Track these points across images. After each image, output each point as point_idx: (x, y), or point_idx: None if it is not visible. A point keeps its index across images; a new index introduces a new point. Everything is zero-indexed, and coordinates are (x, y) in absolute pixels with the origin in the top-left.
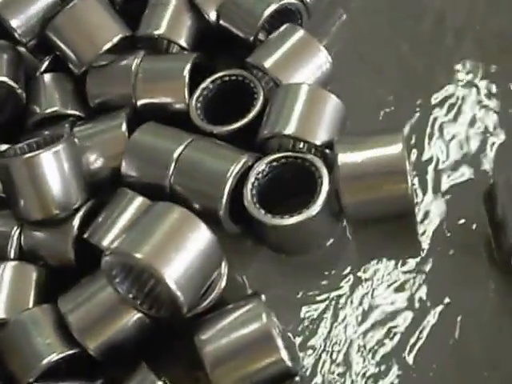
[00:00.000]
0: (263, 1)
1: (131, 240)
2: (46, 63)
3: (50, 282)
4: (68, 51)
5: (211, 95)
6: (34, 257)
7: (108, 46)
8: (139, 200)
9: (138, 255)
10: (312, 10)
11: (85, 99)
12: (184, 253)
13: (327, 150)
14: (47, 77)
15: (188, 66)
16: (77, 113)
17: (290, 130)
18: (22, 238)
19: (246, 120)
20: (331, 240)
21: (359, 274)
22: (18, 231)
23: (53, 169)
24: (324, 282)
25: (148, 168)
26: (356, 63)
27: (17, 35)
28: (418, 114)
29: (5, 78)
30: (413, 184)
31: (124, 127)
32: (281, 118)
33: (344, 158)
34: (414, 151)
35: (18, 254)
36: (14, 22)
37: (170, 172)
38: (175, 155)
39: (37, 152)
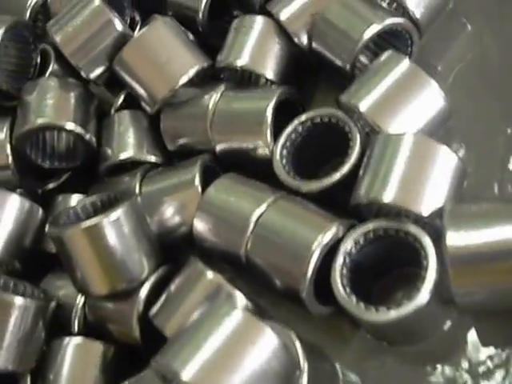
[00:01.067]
0: (364, 20)
1: (182, 355)
2: (121, 100)
3: (117, 359)
4: (138, 88)
5: (299, 140)
6: (98, 330)
7: (183, 80)
8: (209, 278)
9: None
10: (425, 26)
11: (162, 140)
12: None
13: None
14: (121, 115)
15: (271, 105)
16: (152, 159)
17: (389, 197)
18: (86, 310)
19: (338, 175)
20: (448, 323)
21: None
22: (81, 302)
23: (114, 238)
24: (443, 375)
25: (222, 232)
26: (482, 90)
27: (83, 73)
28: None
29: (72, 126)
30: None
31: (197, 181)
32: (378, 179)
33: (454, 236)
34: None
35: (82, 327)
36: (79, 59)
37: (246, 239)
38: (253, 219)
39: (93, 221)
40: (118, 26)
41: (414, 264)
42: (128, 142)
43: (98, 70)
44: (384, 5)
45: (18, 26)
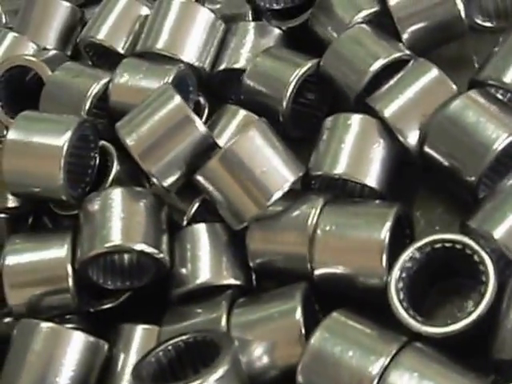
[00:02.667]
0: (496, 127)
1: None
2: (195, 208)
3: None
4: (224, 202)
5: (416, 268)
6: None
7: (277, 196)
8: None
9: None
10: None
11: (245, 257)
12: None
13: None
14: (197, 229)
15: (387, 226)
16: (234, 282)
17: None
18: None
19: (470, 320)
20: None
21: None
22: None
23: None
24: None
25: None
26: None
27: (156, 181)
28: None
29: (142, 246)
30: None
31: (299, 315)
32: None
33: None
34: None
35: None
36: (152, 166)
37: None
38: (374, 374)
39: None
40: (200, 127)
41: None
42: (205, 264)
43: (173, 178)
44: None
45: (83, 126)
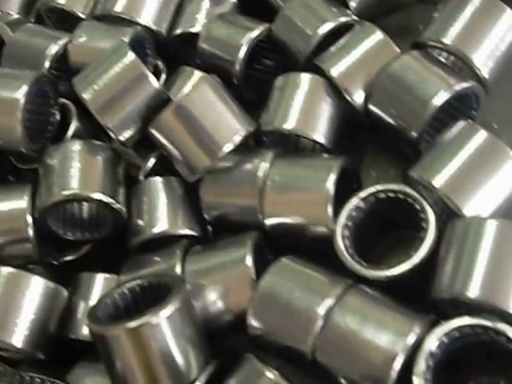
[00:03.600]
0: (434, 85)
1: None
2: (151, 163)
3: None
4: (177, 154)
5: (362, 217)
6: None
7: (228, 148)
8: (269, 377)
9: None
10: (493, 87)
11: (199, 210)
12: None
13: None
14: (153, 182)
15: (333, 178)
16: (189, 232)
17: (475, 292)
18: None
19: (411, 264)
20: None
21: None
22: None
23: (163, 338)
24: None
25: (283, 326)
26: None
27: (113, 134)
28: None
29: (99, 195)
30: None
31: (249, 262)
32: (460, 272)
33: None
34: None
35: None
36: (109, 120)
37: (313, 335)
38: (320, 313)
39: (142, 320)
40: (154, 83)
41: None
42: (161, 214)
43: (130, 132)
44: (442, 59)
45: (41, 81)
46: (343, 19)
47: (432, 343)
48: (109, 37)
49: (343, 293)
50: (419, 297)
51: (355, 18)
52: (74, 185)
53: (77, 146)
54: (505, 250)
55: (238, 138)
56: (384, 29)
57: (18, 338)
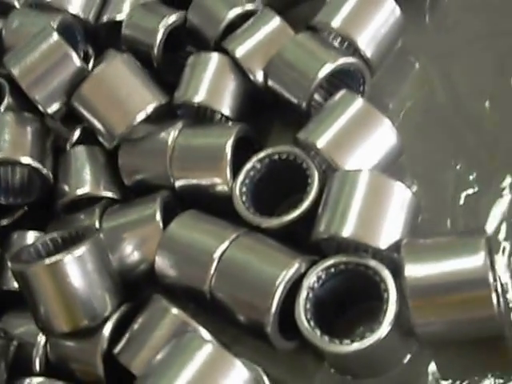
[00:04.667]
0: (318, 60)
1: None
2: (77, 135)
3: None
4: (96, 123)
5: (258, 177)
6: (60, 370)
7: (141, 117)
8: (173, 314)
9: None
10: (377, 65)
11: (119, 176)
12: None
13: (394, 254)
14: (78, 151)
15: (230, 142)
16: (109, 195)
17: (348, 231)
18: (48, 349)
19: (298, 212)
20: (409, 356)
21: None
22: (43, 341)
23: (77, 275)
24: None
25: (185, 268)
26: (431, 128)
27: (40, 107)
28: (508, 198)
29: (28, 159)
30: (506, 299)
31: (158, 217)
32: (337, 215)
33: (412, 269)
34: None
35: (44, 367)
36: (36, 93)
37: (210, 275)
38: (216, 255)
39: (58, 257)
40: (76, 61)
41: (376, 297)
42: (85, 178)
43: (56, 105)
44: (336, 44)
45: None
46: (249, 7)
47: (311, 278)
48: (39, 22)
49: (237, 237)
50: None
51: (261, 6)
52: (4, 149)
53: (8, 117)
54: (375, 196)
55: (150, 108)
56: (290, 19)
57: None
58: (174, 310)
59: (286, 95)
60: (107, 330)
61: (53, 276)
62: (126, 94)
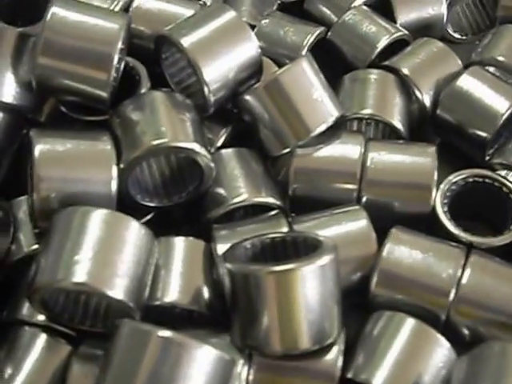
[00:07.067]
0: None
1: None
2: (223, 138)
3: None
4: (269, 127)
5: (454, 195)
6: None
7: (321, 129)
8: None
9: None
10: None
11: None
12: None
13: None
14: (230, 154)
15: (435, 164)
16: (273, 202)
17: None
18: (251, 375)
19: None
20: None
21: None
22: (245, 367)
23: (313, 288)
24: None
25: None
26: None
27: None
28: None
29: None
30: None
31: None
32: None
33: None
34: None
35: None
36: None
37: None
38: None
39: (297, 264)
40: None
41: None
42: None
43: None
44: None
45: None
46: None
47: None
48: None
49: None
50: None
51: None
52: (167, 135)
53: (159, 98)
54: None
55: (331, 120)
56: None
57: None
58: None
59: (458, 128)
60: (339, 356)
61: (284, 284)
62: (309, 100)
